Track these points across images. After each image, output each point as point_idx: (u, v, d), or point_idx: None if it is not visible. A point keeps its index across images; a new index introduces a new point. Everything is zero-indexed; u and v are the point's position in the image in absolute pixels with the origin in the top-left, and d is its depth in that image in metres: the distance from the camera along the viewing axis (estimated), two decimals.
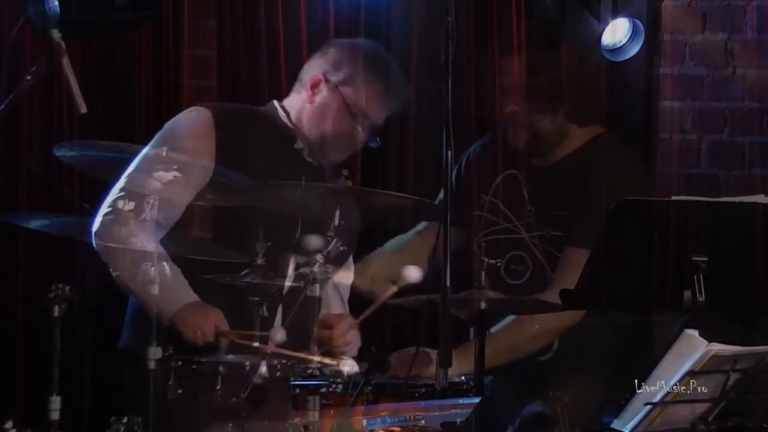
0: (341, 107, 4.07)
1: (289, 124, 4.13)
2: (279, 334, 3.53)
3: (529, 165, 4.53)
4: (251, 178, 3.79)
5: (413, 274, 3.88)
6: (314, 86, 4.12)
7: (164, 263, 3.70)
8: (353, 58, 4.10)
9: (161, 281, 3.60)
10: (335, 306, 4.23)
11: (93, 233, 3.80)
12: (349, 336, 4.02)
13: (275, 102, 4.20)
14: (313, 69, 4.16)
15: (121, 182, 3.82)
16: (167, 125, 4.05)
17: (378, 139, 4.18)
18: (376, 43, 4.25)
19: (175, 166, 3.72)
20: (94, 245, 3.82)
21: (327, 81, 4.10)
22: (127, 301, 4.05)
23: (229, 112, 4.08)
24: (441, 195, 4.26)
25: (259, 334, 3.62)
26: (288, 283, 3.76)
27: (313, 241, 3.62)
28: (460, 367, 3.96)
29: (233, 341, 3.63)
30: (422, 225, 4.66)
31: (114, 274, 3.85)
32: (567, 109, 4.44)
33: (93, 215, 3.88)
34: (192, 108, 4.09)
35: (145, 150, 3.73)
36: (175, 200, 3.80)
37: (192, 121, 4.03)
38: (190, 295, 3.82)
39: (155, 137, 3.97)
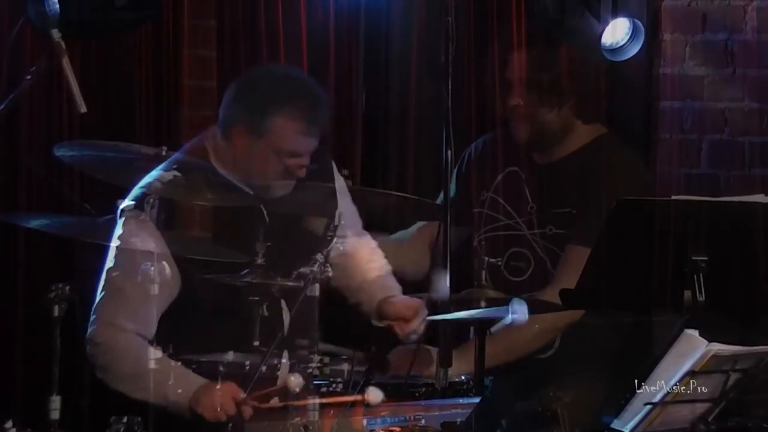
0: (270, 155, 3.94)
1: (226, 174, 3.97)
2: (296, 380, 3.49)
3: (531, 162, 4.53)
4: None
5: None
6: (238, 137, 3.97)
7: (167, 358, 3.70)
8: (269, 101, 3.94)
9: (165, 377, 3.62)
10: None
11: (87, 340, 3.82)
12: (421, 327, 4.00)
13: (207, 147, 4.04)
14: (232, 116, 3.99)
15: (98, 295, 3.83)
16: (119, 236, 3.84)
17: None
18: (289, 69, 4.13)
19: (174, 166, 3.72)
20: (89, 356, 3.82)
21: (250, 132, 3.95)
22: None
23: (165, 202, 3.87)
24: (442, 195, 4.29)
25: (274, 389, 3.56)
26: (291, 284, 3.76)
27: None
28: (461, 367, 3.97)
29: (255, 406, 3.57)
30: (422, 223, 4.66)
31: (115, 387, 3.81)
32: (572, 104, 4.44)
33: (93, 215, 3.88)
34: (133, 213, 3.84)
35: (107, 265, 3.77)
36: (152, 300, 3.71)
37: (132, 235, 3.84)
38: (197, 379, 3.74)
39: (111, 251, 3.84)
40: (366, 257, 4.25)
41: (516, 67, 4.43)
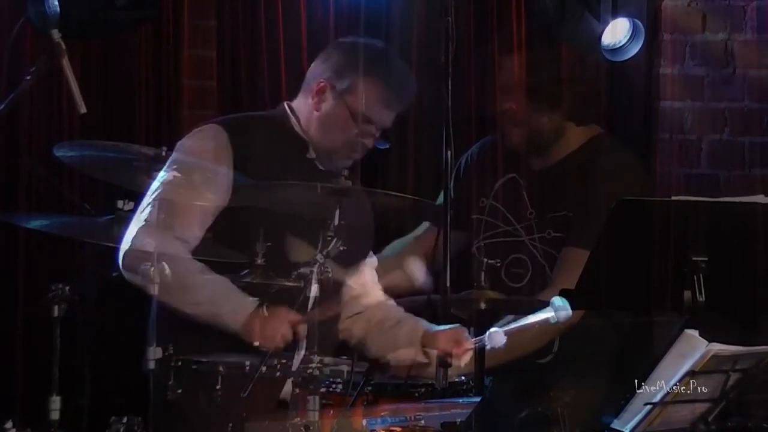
0: (347, 117, 4.03)
1: (300, 132, 4.11)
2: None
3: (529, 168, 4.53)
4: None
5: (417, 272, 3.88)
6: (319, 93, 4.07)
7: (214, 275, 3.74)
8: (356, 63, 4.04)
9: (218, 296, 3.64)
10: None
11: (120, 262, 3.76)
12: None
13: (286, 106, 4.15)
14: (317, 74, 4.11)
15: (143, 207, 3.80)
16: (182, 145, 3.97)
17: (386, 140, 4.16)
18: (379, 42, 4.19)
19: (174, 166, 3.72)
20: (133, 264, 3.73)
21: (331, 89, 4.05)
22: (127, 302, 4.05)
23: (242, 127, 4.03)
24: (441, 197, 4.29)
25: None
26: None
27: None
28: (460, 367, 3.96)
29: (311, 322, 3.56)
30: (421, 229, 4.66)
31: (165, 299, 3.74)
32: (565, 108, 4.44)
33: (93, 215, 3.88)
34: (204, 126, 4.02)
35: (162, 173, 3.72)
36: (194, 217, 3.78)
37: (207, 139, 3.98)
38: (249, 302, 3.77)
39: (171, 159, 3.81)
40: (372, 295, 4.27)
41: (508, 71, 4.44)
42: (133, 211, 3.74)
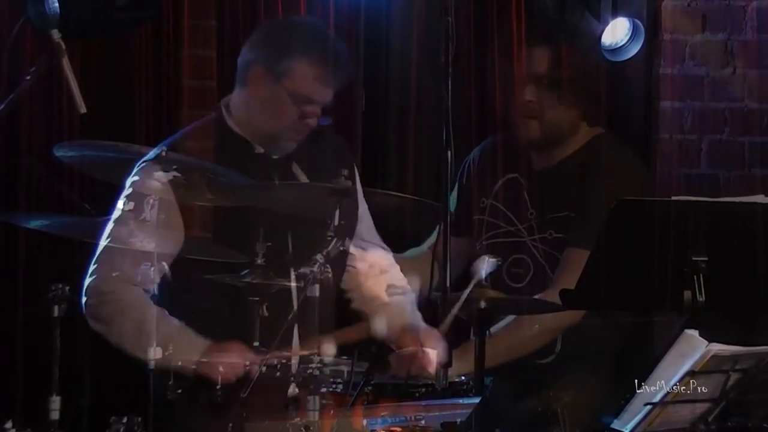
0: (287, 100, 3.97)
1: (239, 131, 4.03)
2: (330, 348, 3.50)
3: (530, 168, 4.52)
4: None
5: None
6: (255, 80, 4.01)
7: (169, 318, 3.72)
8: (289, 44, 3.99)
9: (169, 338, 3.60)
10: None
11: (83, 302, 3.78)
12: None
13: (222, 106, 4.10)
14: (250, 60, 4.04)
15: (101, 247, 3.80)
16: (129, 189, 3.83)
17: (329, 117, 4.12)
18: (310, 18, 4.15)
19: (174, 166, 3.71)
20: (88, 306, 3.80)
21: (267, 73, 3.99)
22: None
23: (178, 150, 3.88)
24: (453, 204, 4.29)
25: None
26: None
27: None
28: (460, 367, 3.96)
29: (264, 361, 3.57)
30: (434, 237, 4.64)
31: (117, 343, 3.78)
32: (581, 106, 4.43)
33: (93, 215, 3.88)
34: (140, 168, 3.81)
35: (117, 213, 3.73)
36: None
37: (148, 180, 3.79)
38: (200, 341, 3.76)
39: (122, 200, 3.79)
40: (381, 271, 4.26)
41: (530, 63, 4.42)
42: (132, 211, 3.74)
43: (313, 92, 3.99)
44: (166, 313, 3.74)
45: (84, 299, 3.82)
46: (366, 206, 4.17)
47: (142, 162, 3.70)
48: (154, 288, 3.59)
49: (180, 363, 3.63)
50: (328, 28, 4.14)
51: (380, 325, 3.81)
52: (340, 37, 4.29)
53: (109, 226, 3.74)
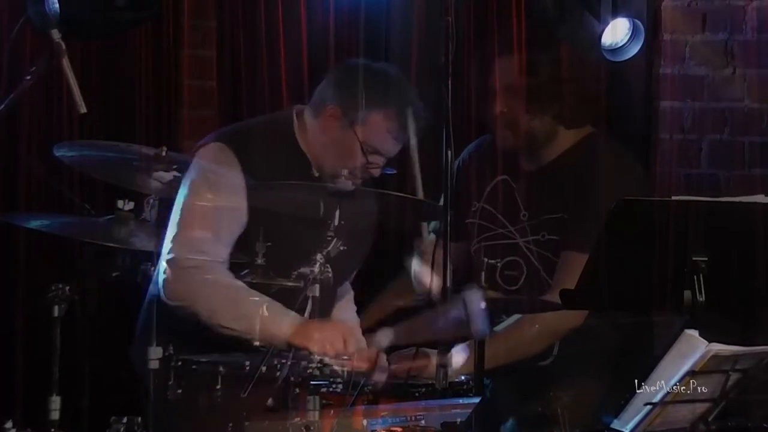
0: (355, 147, 3.99)
1: (304, 148, 4.06)
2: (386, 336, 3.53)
3: (521, 170, 4.51)
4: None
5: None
6: (329, 118, 4.03)
7: (256, 293, 3.77)
8: (370, 93, 3.99)
9: (260, 311, 3.67)
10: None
11: (162, 291, 3.81)
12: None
13: (294, 118, 4.10)
14: (328, 96, 4.06)
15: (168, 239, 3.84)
16: (195, 167, 3.88)
17: (393, 167, 4.14)
18: (393, 68, 4.14)
19: (174, 166, 3.72)
20: (168, 303, 3.82)
21: (343, 116, 4.00)
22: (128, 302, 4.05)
23: (245, 142, 3.97)
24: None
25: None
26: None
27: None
28: (460, 367, 3.96)
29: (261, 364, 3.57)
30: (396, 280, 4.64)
31: (206, 319, 3.82)
32: (556, 111, 4.42)
33: (93, 215, 3.88)
34: (210, 143, 3.97)
35: (180, 199, 3.77)
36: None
37: (213, 158, 3.93)
38: (293, 314, 3.79)
39: (187, 183, 3.84)
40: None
41: (499, 74, 4.42)
42: (132, 211, 3.74)
43: (383, 145, 4.03)
44: (248, 289, 3.77)
45: (163, 278, 3.82)
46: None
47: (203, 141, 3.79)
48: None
49: (275, 336, 3.66)
50: (410, 82, 4.16)
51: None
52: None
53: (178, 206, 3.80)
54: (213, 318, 3.80)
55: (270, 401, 3.52)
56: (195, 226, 3.82)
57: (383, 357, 3.85)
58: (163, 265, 3.82)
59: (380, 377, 3.75)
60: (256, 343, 3.65)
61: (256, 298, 3.77)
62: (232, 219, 3.85)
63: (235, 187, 3.87)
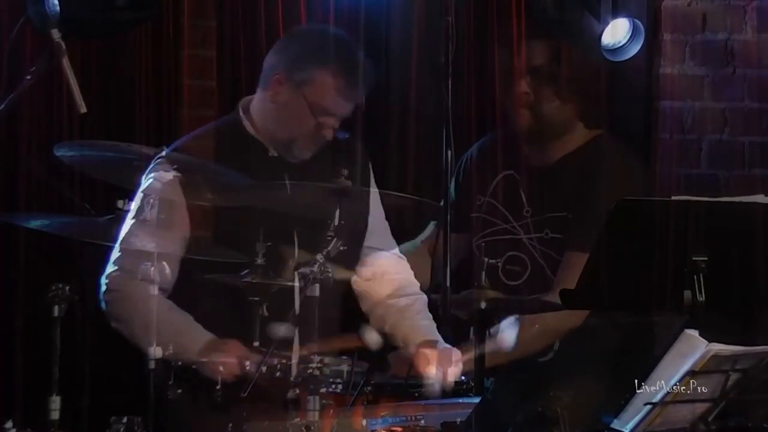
0: (304, 109, 3.99)
1: (255, 133, 4.06)
2: (280, 331, 3.52)
3: (527, 166, 4.52)
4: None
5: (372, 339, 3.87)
6: (275, 85, 4.02)
7: (176, 311, 3.77)
8: (313, 54, 3.99)
9: (175, 332, 3.63)
10: None
11: (101, 295, 3.83)
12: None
13: (240, 107, 4.12)
14: (273, 65, 4.05)
15: (115, 250, 3.84)
16: (140, 185, 3.83)
17: (346, 130, 4.12)
18: (336, 29, 4.12)
19: (174, 166, 3.71)
20: (103, 307, 3.85)
21: (288, 80, 4.00)
22: None
23: (191, 152, 3.91)
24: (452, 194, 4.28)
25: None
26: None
27: (280, 329, 3.59)
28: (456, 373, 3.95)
29: (259, 364, 3.57)
30: (428, 231, 4.64)
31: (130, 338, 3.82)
32: (577, 104, 4.43)
33: (93, 215, 3.88)
34: (157, 165, 3.84)
35: (129, 218, 3.73)
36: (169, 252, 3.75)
37: (158, 179, 3.86)
38: (204, 337, 3.79)
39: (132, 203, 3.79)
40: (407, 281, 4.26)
41: (527, 55, 4.42)
42: (138, 211, 3.74)
43: (333, 104, 4.00)
44: (174, 306, 3.75)
45: (101, 298, 3.86)
46: (382, 214, 4.17)
47: (155, 162, 3.71)
48: (154, 289, 3.60)
49: (180, 360, 3.64)
50: (357, 41, 4.15)
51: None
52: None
53: (122, 229, 3.76)
54: (137, 340, 3.77)
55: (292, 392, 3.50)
56: (132, 244, 3.76)
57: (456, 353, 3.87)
58: (105, 277, 3.85)
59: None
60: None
61: (173, 319, 3.77)
62: (168, 244, 3.77)
63: (171, 206, 3.83)
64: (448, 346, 4.00)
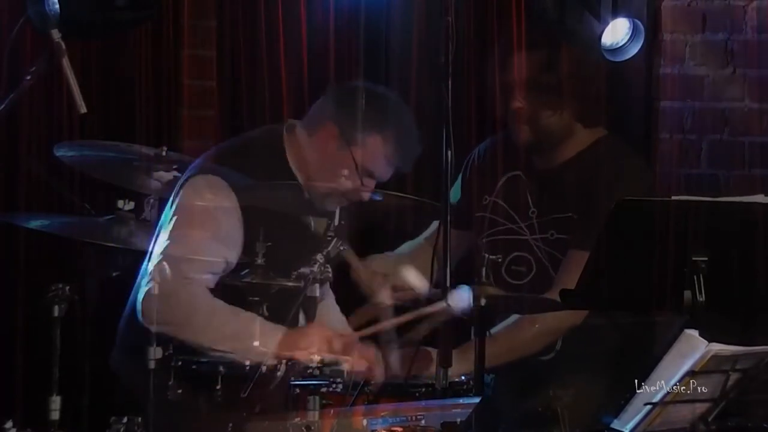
0: (350, 167, 3.96)
1: (294, 169, 4.01)
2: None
3: (533, 167, 4.52)
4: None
5: (414, 278, 3.84)
6: (326, 135, 4.00)
7: (238, 310, 3.73)
8: (369, 115, 3.96)
9: (243, 329, 3.62)
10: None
11: (140, 312, 3.75)
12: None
13: (284, 134, 4.06)
14: (325, 113, 4.03)
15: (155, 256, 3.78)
16: (185, 196, 3.84)
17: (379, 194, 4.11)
18: (392, 93, 4.12)
19: (175, 166, 3.71)
20: (147, 326, 3.72)
21: (340, 136, 3.97)
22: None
23: (234, 165, 3.87)
24: (457, 195, 4.27)
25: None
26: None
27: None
28: (461, 367, 3.96)
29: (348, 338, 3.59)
30: (432, 229, 4.64)
31: (185, 340, 3.76)
32: (574, 108, 4.43)
33: (93, 215, 3.88)
34: (202, 176, 3.87)
35: (170, 222, 3.73)
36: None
37: (210, 193, 3.86)
38: (279, 328, 3.76)
39: (176, 210, 3.81)
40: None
41: (518, 69, 4.42)
42: (132, 211, 3.74)
43: (379, 169, 4.01)
44: (233, 307, 3.75)
45: (141, 307, 3.77)
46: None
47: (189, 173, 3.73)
48: (155, 288, 3.59)
49: (264, 353, 3.62)
50: (409, 106, 4.14)
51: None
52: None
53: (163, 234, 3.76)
54: (200, 341, 3.75)
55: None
56: (186, 250, 3.76)
57: (380, 354, 3.84)
58: (148, 283, 3.75)
59: (379, 375, 3.74)
60: (247, 362, 3.60)
61: (241, 317, 3.74)
62: (222, 248, 3.78)
63: (228, 214, 3.83)
64: None
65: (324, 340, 3.66)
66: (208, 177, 3.86)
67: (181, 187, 3.82)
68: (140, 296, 3.77)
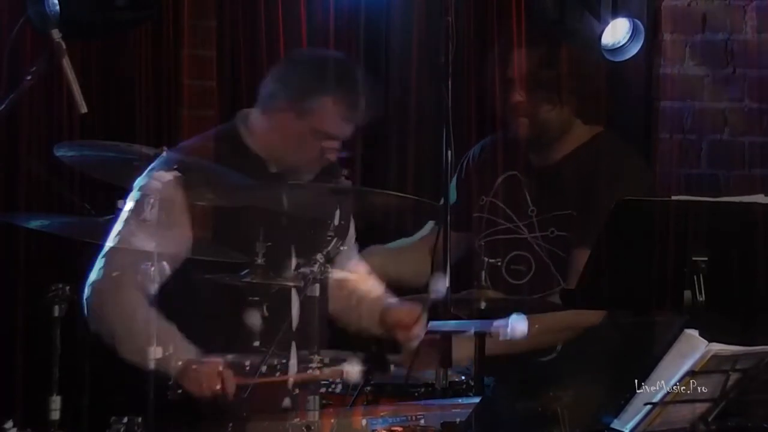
0: (309, 136, 3.98)
1: (257, 150, 4.03)
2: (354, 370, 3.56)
3: (530, 165, 4.52)
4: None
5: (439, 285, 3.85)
6: (278, 113, 4.01)
7: (161, 321, 3.67)
8: (316, 82, 3.97)
9: (162, 341, 3.57)
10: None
11: (84, 300, 3.78)
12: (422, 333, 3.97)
13: (239, 122, 4.08)
14: (275, 93, 4.03)
15: (107, 247, 3.78)
16: (137, 188, 3.80)
17: (346, 150, 4.13)
18: (336, 53, 4.13)
19: (175, 166, 3.71)
20: (85, 313, 3.80)
21: (292, 110, 3.98)
22: None
23: (194, 165, 3.84)
24: (453, 196, 4.28)
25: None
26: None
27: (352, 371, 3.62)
28: (461, 353, 3.94)
29: (240, 382, 3.56)
30: (426, 229, 4.64)
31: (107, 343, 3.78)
32: (573, 103, 4.43)
33: (93, 215, 3.88)
34: (159, 169, 3.81)
35: (123, 214, 3.70)
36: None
37: (161, 187, 3.81)
38: (188, 350, 3.74)
39: (129, 202, 3.75)
40: (362, 278, 4.26)
41: (518, 64, 4.42)
42: (133, 211, 3.73)
43: (336, 129, 4.01)
44: (159, 315, 3.71)
45: (84, 298, 3.82)
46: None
47: (152, 166, 3.70)
48: (155, 288, 3.59)
49: (163, 369, 3.59)
50: (357, 63, 4.15)
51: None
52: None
53: (115, 227, 3.74)
54: (112, 344, 3.77)
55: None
56: (118, 251, 3.74)
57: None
58: (87, 283, 3.79)
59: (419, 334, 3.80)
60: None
61: (159, 328, 3.67)
62: (169, 244, 3.71)
63: (177, 211, 3.82)
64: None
65: (215, 376, 3.61)
66: (158, 170, 3.82)
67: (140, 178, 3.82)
68: (84, 290, 3.81)
